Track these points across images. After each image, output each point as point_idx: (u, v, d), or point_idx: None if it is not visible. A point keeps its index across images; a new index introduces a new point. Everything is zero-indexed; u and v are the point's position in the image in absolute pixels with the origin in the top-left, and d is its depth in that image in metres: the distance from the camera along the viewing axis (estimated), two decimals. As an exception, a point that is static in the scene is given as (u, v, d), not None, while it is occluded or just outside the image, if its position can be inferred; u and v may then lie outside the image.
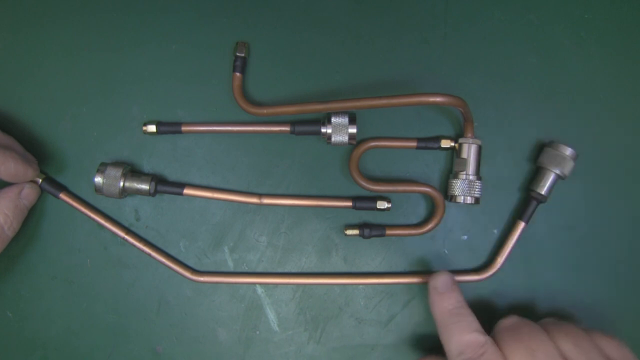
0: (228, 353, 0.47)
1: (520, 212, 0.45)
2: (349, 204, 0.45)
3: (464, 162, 0.44)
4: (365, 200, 0.45)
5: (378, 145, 0.46)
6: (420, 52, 0.47)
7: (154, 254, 0.46)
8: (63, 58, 0.47)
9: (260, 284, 0.47)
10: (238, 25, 0.47)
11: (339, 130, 0.43)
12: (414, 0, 0.47)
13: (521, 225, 0.45)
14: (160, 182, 0.45)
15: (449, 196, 0.45)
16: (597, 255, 0.47)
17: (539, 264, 0.46)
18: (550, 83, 0.47)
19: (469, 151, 0.44)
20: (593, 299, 0.47)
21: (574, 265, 0.47)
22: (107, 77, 0.47)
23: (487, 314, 0.46)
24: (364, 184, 0.44)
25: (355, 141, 0.44)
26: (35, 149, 0.46)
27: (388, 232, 0.45)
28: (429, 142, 0.45)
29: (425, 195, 0.46)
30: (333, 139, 0.44)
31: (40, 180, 0.45)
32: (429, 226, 0.45)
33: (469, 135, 0.44)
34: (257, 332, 0.47)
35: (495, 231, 0.47)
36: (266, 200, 0.46)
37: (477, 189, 0.44)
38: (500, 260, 0.45)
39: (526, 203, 0.45)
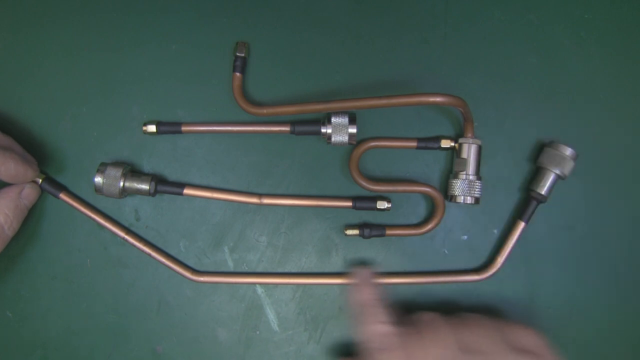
0: (228, 353, 0.47)
1: (520, 212, 0.45)
2: (349, 204, 0.45)
3: (464, 162, 0.44)
4: (365, 200, 0.45)
5: (378, 145, 0.46)
6: (420, 52, 0.47)
7: (154, 254, 0.46)
8: (63, 58, 0.47)
9: (260, 284, 0.47)
10: (238, 25, 0.47)
11: (339, 130, 0.43)
12: (414, 0, 0.47)
13: (521, 225, 0.45)
14: (160, 182, 0.45)
15: (449, 196, 0.45)
16: (597, 255, 0.47)
17: (539, 264, 0.46)
18: (550, 83, 0.47)
19: (469, 151, 0.44)
20: (593, 299, 0.47)
21: (574, 265, 0.47)
22: (107, 77, 0.47)
23: (487, 314, 0.46)
24: (364, 184, 0.44)
25: (355, 141, 0.44)
26: (35, 149, 0.46)
27: (388, 232, 0.45)
28: (429, 142, 0.45)
29: (425, 195, 0.46)
30: (333, 139, 0.44)
31: (40, 180, 0.45)
32: (429, 226, 0.45)
33: (469, 135, 0.44)
34: (257, 332, 0.47)
35: (495, 231, 0.47)
36: (266, 200, 0.46)
37: (477, 189, 0.44)
38: (500, 260, 0.45)
39: (526, 203, 0.45)
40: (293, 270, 0.47)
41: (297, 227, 0.47)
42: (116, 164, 0.44)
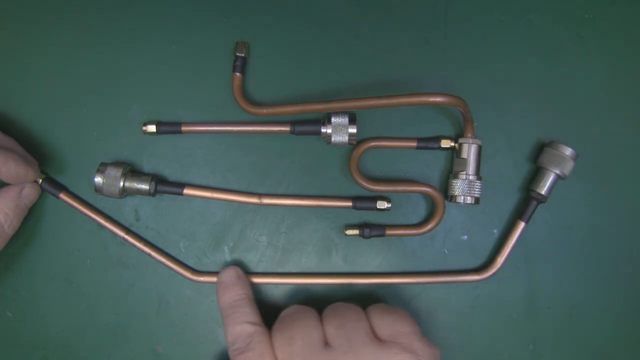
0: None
1: (520, 212, 0.45)
2: (349, 204, 0.45)
3: (464, 162, 0.44)
4: (365, 200, 0.45)
5: (378, 145, 0.46)
6: (420, 52, 0.47)
7: (154, 254, 0.46)
8: (63, 58, 0.47)
9: (260, 284, 0.47)
10: (238, 25, 0.47)
11: (339, 130, 0.43)
12: (414, 0, 0.47)
13: (521, 225, 0.45)
14: (160, 182, 0.45)
15: (449, 196, 0.45)
16: (597, 255, 0.47)
17: (539, 264, 0.46)
18: (550, 83, 0.47)
19: (469, 151, 0.44)
20: (593, 299, 0.47)
21: (574, 265, 0.47)
22: (107, 77, 0.47)
23: (487, 314, 0.46)
24: (364, 184, 0.44)
25: (355, 141, 0.44)
26: (35, 150, 0.46)
27: (388, 232, 0.45)
28: (429, 142, 0.45)
29: (425, 195, 0.46)
30: (333, 139, 0.44)
31: (41, 180, 0.45)
32: (429, 226, 0.45)
33: (469, 135, 0.44)
34: (257, 332, 0.47)
35: (495, 231, 0.47)
36: (266, 200, 0.46)
37: (477, 189, 0.44)
38: (500, 260, 0.45)
39: (526, 203, 0.45)
40: (293, 270, 0.47)
41: (297, 227, 0.47)
42: (116, 164, 0.45)
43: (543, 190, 0.44)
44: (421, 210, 0.47)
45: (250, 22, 0.47)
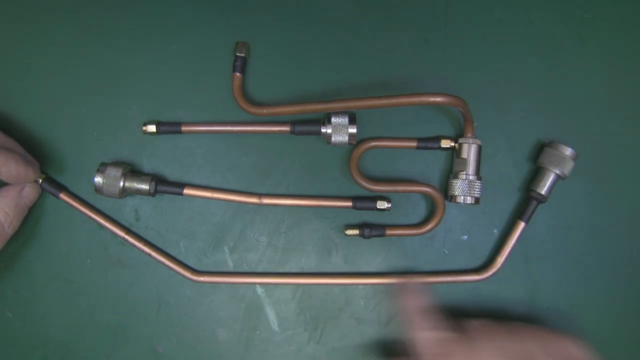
0: (228, 353, 0.47)
1: (520, 212, 0.45)
2: (349, 204, 0.45)
3: (464, 162, 0.44)
4: (365, 200, 0.45)
5: (378, 145, 0.46)
6: (421, 52, 0.47)
7: (154, 254, 0.46)
8: (63, 58, 0.47)
9: (260, 284, 0.47)
10: (238, 25, 0.47)
11: (339, 130, 0.43)
12: (414, 0, 0.47)
13: (521, 225, 0.45)
14: (160, 182, 0.45)
15: (449, 196, 0.45)
16: (597, 255, 0.47)
17: (539, 264, 0.46)
18: (550, 83, 0.47)
19: (469, 151, 0.44)
20: (593, 299, 0.47)
21: (574, 265, 0.47)
22: (107, 77, 0.47)
23: (487, 314, 0.46)
24: (364, 184, 0.44)
25: (355, 141, 0.44)
26: (35, 149, 0.46)
27: (388, 232, 0.45)
28: (429, 142, 0.45)
29: (425, 195, 0.46)
30: (333, 139, 0.44)
31: (41, 180, 0.45)
32: (429, 226, 0.45)
33: (469, 135, 0.44)
34: (257, 332, 0.47)
35: (495, 231, 0.47)
36: (266, 200, 0.46)
37: (477, 189, 0.44)
38: (500, 260, 0.45)
39: (526, 203, 0.45)
40: (293, 270, 0.47)
41: (297, 227, 0.47)
42: (116, 164, 0.45)
43: (543, 190, 0.44)
44: (421, 210, 0.47)
45: (250, 22, 0.47)
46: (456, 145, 0.45)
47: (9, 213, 0.43)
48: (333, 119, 0.43)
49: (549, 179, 0.44)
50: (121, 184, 0.44)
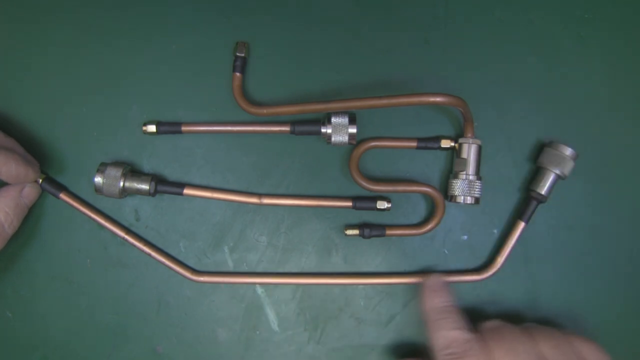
0: (228, 353, 0.47)
1: (520, 212, 0.45)
2: (349, 204, 0.45)
3: (464, 162, 0.44)
4: (365, 200, 0.45)
5: (378, 145, 0.46)
6: (420, 52, 0.47)
7: (154, 254, 0.46)
8: (63, 58, 0.47)
9: (260, 284, 0.47)
10: (238, 25, 0.47)
11: (339, 130, 0.43)
12: (414, 0, 0.47)
13: (521, 225, 0.45)
14: (160, 182, 0.45)
15: (449, 196, 0.45)
16: (597, 255, 0.47)
17: (539, 264, 0.46)
18: (550, 83, 0.47)
19: (469, 151, 0.44)
20: (593, 299, 0.47)
21: (574, 265, 0.47)
22: (107, 77, 0.47)
23: (487, 314, 0.46)
24: (364, 184, 0.44)
25: (355, 141, 0.44)
26: (35, 149, 0.46)
27: (388, 232, 0.45)
28: (429, 142, 0.45)
29: (425, 195, 0.46)
30: (333, 139, 0.44)
31: (41, 180, 0.45)
32: (429, 226, 0.45)
33: (469, 135, 0.44)
34: (257, 332, 0.47)
35: (495, 231, 0.47)
36: (266, 200, 0.46)
37: (477, 189, 0.44)
38: (500, 260, 0.45)
39: (526, 203, 0.45)
40: (293, 270, 0.47)
41: (297, 227, 0.47)
42: (116, 164, 0.45)
43: (543, 190, 0.44)
44: (421, 210, 0.47)
45: (250, 22, 0.47)
46: (456, 145, 0.45)
47: (9, 213, 0.43)
48: (333, 119, 0.43)
49: (549, 179, 0.44)
50: (121, 184, 0.44)
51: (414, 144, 0.45)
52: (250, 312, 0.47)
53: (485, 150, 0.45)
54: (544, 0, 0.47)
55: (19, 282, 0.47)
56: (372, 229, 0.45)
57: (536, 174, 0.45)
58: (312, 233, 0.47)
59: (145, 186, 0.44)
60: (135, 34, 0.47)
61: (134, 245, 0.46)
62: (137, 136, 0.46)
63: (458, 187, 0.44)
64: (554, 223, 0.46)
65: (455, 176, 0.44)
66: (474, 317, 0.46)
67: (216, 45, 0.46)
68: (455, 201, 0.44)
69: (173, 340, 0.47)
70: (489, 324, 0.42)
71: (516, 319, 0.45)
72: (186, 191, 0.45)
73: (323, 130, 0.44)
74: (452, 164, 0.45)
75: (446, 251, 0.47)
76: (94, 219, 0.46)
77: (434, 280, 0.45)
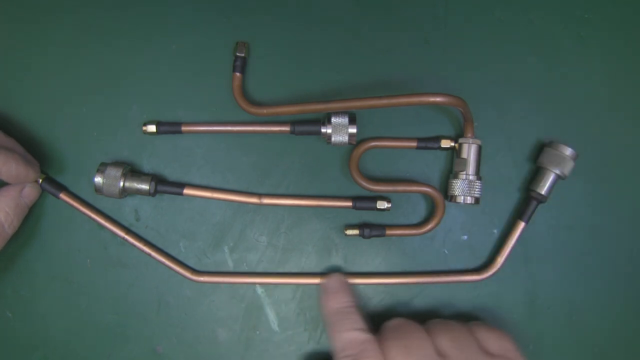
0: (228, 353, 0.47)
1: (520, 212, 0.45)
2: (349, 204, 0.45)
3: (464, 162, 0.44)
4: (365, 200, 0.45)
5: (378, 145, 0.46)
6: (420, 52, 0.47)
7: (154, 254, 0.46)
8: (63, 58, 0.47)
9: (260, 284, 0.47)
10: (238, 25, 0.47)
11: (339, 130, 0.43)
12: (414, 0, 0.47)
13: (521, 225, 0.45)
14: (160, 182, 0.45)
15: (449, 196, 0.45)
16: (597, 255, 0.47)
17: (539, 264, 0.46)
18: (550, 83, 0.47)
19: (469, 151, 0.44)
20: (593, 299, 0.47)
21: (574, 265, 0.47)
22: (107, 77, 0.47)
23: (487, 314, 0.46)
24: (364, 184, 0.44)
25: (355, 141, 0.44)
26: (35, 149, 0.46)
27: (388, 232, 0.45)
28: (429, 142, 0.45)
29: (425, 195, 0.46)
30: (333, 139, 0.44)
31: (41, 180, 0.45)
32: (429, 226, 0.45)
33: (469, 135, 0.44)
34: (257, 332, 0.47)
35: (495, 231, 0.47)
36: (266, 200, 0.46)
37: (477, 189, 0.44)
38: (500, 260, 0.45)
39: (526, 203, 0.45)
40: (293, 270, 0.47)
41: (297, 227, 0.47)
42: (116, 164, 0.45)
43: (543, 190, 0.44)
44: (421, 210, 0.47)
45: (250, 22, 0.47)
46: (456, 145, 0.45)
47: (9, 213, 0.43)
48: (333, 119, 0.43)
49: (549, 179, 0.44)
50: (121, 184, 0.44)
51: (414, 144, 0.45)
52: (250, 312, 0.47)
53: (485, 150, 0.45)
54: (544, 0, 0.47)
55: (19, 282, 0.47)
56: (372, 229, 0.45)
57: (536, 174, 0.45)
58: (312, 233, 0.47)
59: (145, 186, 0.44)
60: (135, 34, 0.47)
61: (134, 245, 0.46)
62: (137, 136, 0.46)
63: (458, 187, 0.44)
64: (554, 223, 0.46)
65: (455, 176, 0.44)
66: (474, 317, 0.46)
67: (216, 45, 0.46)
68: (455, 201, 0.44)
69: (173, 340, 0.47)
70: (390, 323, 0.42)
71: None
72: (186, 191, 0.45)
73: (323, 130, 0.44)
74: (452, 164, 0.45)
75: (446, 251, 0.47)
76: (94, 219, 0.46)
77: (333, 281, 0.45)
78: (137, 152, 0.47)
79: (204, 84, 0.46)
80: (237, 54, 0.45)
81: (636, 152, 0.47)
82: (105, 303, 0.47)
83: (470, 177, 0.44)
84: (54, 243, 0.47)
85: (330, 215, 0.47)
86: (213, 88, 0.46)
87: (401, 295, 0.47)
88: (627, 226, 0.47)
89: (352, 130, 0.43)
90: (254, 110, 0.45)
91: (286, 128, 0.45)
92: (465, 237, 0.47)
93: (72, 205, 0.46)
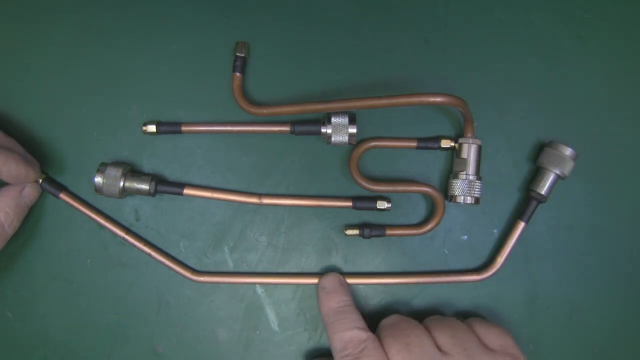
0: (228, 353, 0.47)
1: (520, 212, 0.45)
2: (349, 204, 0.45)
3: (464, 162, 0.44)
4: (365, 200, 0.45)
5: (378, 145, 0.46)
6: (420, 52, 0.47)
7: (154, 254, 0.46)
8: (63, 58, 0.47)
9: (260, 284, 0.47)
10: (238, 25, 0.47)
11: (339, 130, 0.43)
12: (414, 0, 0.47)
13: (521, 225, 0.45)
14: (160, 182, 0.45)
15: (449, 196, 0.45)
16: (597, 255, 0.47)
17: (539, 264, 0.46)
18: (550, 83, 0.47)
19: (469, 151, 0.44)
20: (593, 299, 0.47)
21: (574, 265, 0.47)
22: (107, 77, 0.47)
23: (487, 314, 0.46)
24: (364, 184, 0.44)
25: (355, 141, 0.44)
26: (35, 149, 0.46)
27: (388, 232, 0.45)
28: (429, 142, 0.45)
29: (425, 195, 0.46)
30: (333, 139, 0.44)
31: (41, 180, 0.45)
32: (429, 226, 0.45)
33: (469, 135, 0.44)
34: (257, 332, 0.47)
35: (495, 231, 0.47)
36: (266, 200, 0.46)
37: (477, 189, 0.44)
38: (500, 260, 0.45)
39: (526, 203, 0.45)
40: (293, 270, 0.47)
41: (297, 227, 0.47)
42: (116, 164, 0.45)
43: (543, 190, 0.44)
44: (421, 210, 0.47)
45: (250, 22, 0.47)
46: (456, 145, 0.45)
47: (9, 213, 0.43)
48: (333, 119, 0.43)
49: (549, 179, 0.44)
50: (121, 184, 0.44)
51: (414, 144, 0.45)
52: (250, 312, 0.47)
53: (485, 150, 0.45)
54: (544, 0, 0.47)
55: (19, 282, 0.47)
56: (372, 229, 0.45)
57: (536, 174, 0.45)
58: (312, 233, 0.47)
59: (145, 186, 0.44)
60: (135, 34, 0.47)
61: (134, 245, 0.46)
62: (137, 136, 0.46)
63: (458, 187, 0.44)
64: (554, 223, 0.46)
65: (455, 176, 0.44)
66: (474, 317, 0.46)
67: (216, 45, 0.46)
68: (455, 201, 0.44)
69: (173, 340, 0.47)
70: (387, 321, 0.42)
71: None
72: (186, 191, 0.45)
73: (323, 130, 0.44)
74: (452, 164, 0.45)
75: (446, 251, 0.47)
76: (94, 219, 0.46)
77: (330, 280, 0.45)
78: (137, 152, 0.47)
79: (204, 84, 0.46)
80: (237, 54, 0.45)
81: (636, 152, 0.47)
82: (105, 303, 0.47)
83: (470, 177, 0.44)
84: (54, 243, 0.47)
85: (330, 215, 0.47)
86: (213, 88, 0.46)
87: (401, 295, 0.47)
88: (627, 226, 0.47)
89: (352, 130, 0.43)
90: (254, 110, 0.45)
91: (286, 128, 0.45)
92: (465, 237, 0.47)
93: (72, 205, 0.46)
